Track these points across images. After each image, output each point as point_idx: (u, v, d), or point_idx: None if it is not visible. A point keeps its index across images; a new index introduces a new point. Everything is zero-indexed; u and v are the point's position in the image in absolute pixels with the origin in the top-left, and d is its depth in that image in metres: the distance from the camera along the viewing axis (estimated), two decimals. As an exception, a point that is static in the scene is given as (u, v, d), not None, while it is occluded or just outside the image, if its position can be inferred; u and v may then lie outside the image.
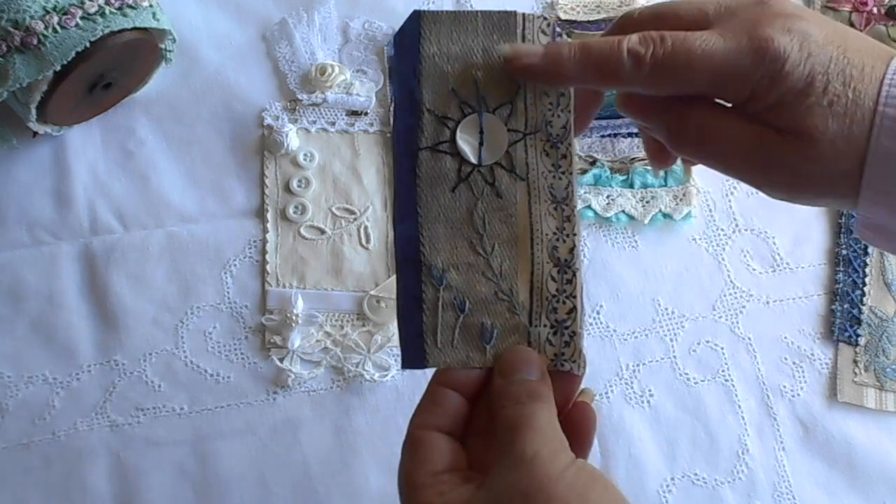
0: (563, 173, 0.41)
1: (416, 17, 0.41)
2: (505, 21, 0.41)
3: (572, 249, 0.40)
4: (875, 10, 0.71)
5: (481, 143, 0.41)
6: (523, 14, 0.41)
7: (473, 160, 0.41)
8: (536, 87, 0.41)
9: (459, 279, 0.40)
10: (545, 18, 0.41)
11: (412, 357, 0.40)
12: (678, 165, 0.67)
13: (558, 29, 0.41)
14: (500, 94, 0.41)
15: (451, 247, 0.40)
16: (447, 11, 0.41)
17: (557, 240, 0.40)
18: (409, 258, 0.40)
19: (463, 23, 0.41)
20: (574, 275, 0.40)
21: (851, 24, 0.71)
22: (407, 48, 0.41)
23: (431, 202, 0.40)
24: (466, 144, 0.41)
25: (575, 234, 0.40)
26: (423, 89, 0.41)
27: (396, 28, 0.69)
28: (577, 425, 0.39)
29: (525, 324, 0.40)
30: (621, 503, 0.35)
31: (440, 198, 0.40)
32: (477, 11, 0.41)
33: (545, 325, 0.40)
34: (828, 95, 0.36)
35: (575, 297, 0.40)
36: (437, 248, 0.40)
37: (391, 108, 0.42)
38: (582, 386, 0.41)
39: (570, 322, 0.40)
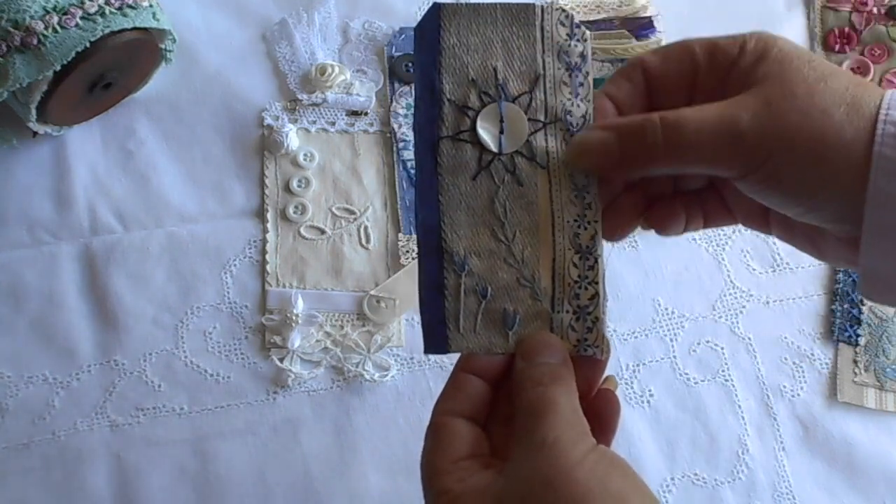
0: None
1: (436, 10, 0.41)
2: (524, 13, 0.41)
3: (594, 236, 0.41)
4: (875, 10, 0.71)
5: (502, 132, 0.41)
6: (542, 6, 0.41)
7: (494, 148, 0.41)
8: (556, 77, 0.41)
9: (481, 266, 0.40)
10: (563, 11, 0.41)
11: (434, 342, 0.40)
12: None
13: (576, 21, 0.41)
14: (520, 84, 0.41)
15: (472, 234, 0.41)
16: (466, 4, 0.41)
17: (579, 227, 0.41)
18: (430, 245, 0.41)
19: (482, 14, 0.41)
20: (596, 261, 0.41)
21: (851, 24, 0.71)
22: (427, 40, 0.41)
23: (453, 190, 0.41)
24: (487, 133, 0.41)
25: (596, 221, 0.41)
26: (444, 80, 0.41)
27: (397, 28, 0.70)
28: (601, 412, 0.39)
29: (547, 310, 0.40)
30: (642, 489, 0.35)
31: (461, 186, 0.41)
32: (496, 4, 0.41)
33: (567, 311, 0.40)
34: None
35: (597, 283, 0.40)
36: (459, 235, 0.41)
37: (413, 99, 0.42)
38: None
39: (592, 308, 0.40)
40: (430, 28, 0.41)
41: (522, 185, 0.41)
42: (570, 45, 0.41)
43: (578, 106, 0.41)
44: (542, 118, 0.41)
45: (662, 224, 0.43)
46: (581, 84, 0.41)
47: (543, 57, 0.41)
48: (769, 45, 0.37)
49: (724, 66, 0.38)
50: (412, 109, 0.67)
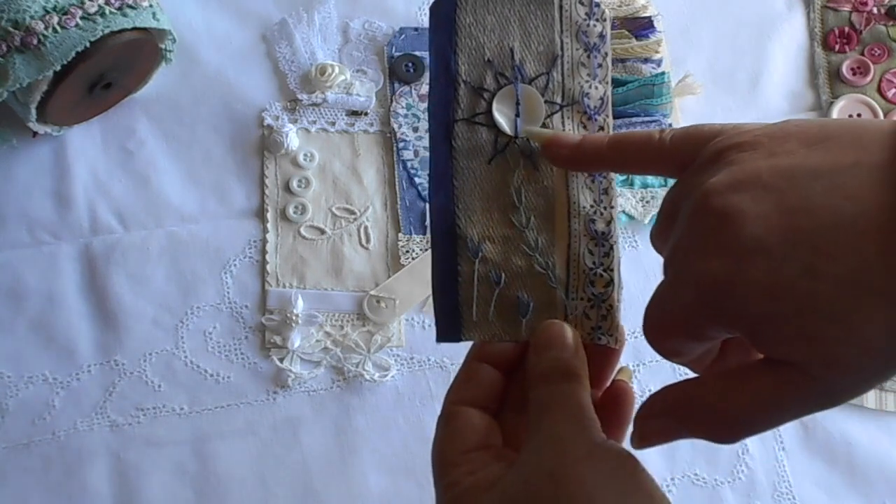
0: None
1: None
2: None
3: (609, 223, 0.40)
4: (875, 10, 0.71)
5: (518, 115, 0.40)
6: None
7: (510, 132, 0.40)
8: (574, 58, 0.40)
9: (495, 252, 0.40)
10: None
11: (447, 330, 0.40)
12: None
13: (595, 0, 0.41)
14: (537, 65, 0.40)
15: (486, 219, 0.40)
16: None
17: (595, 213, 0.40)
18: (444, 231, 0.40)
19: None
20: (611, 248, 0.40)
21: (851, 24, 0.71)
22: (442, 19, 0.40)
23: (467, 174, 0.40)
24: (503, 116, 0.40)
25: (612, 208, 0.40)
26: (459, 60, 0.40)
27: (397, 28, 0.70)
28: (615, 404, 0.39)
29: (562, 297, 0.40)
30: (649, 485, 0.35)
31: (476, 170, 0.40)
32: None
33: (582, 299, 0.40)
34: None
35: (612, 270, 0.40)
36: (473, 220, 0.40)
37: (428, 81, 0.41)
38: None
39: (606, 295, 0.40)
40: (445, 6, 0.40)
41: (538, 170, 0.40)
42: (588, 25, 0.40)
43: (596, 88, 0.40)
44: (558, 100, 0.40)
45: None
46: (599, 65, 0.40)
47: (561, 37, 0.40)
48: None
49: None
50: (412, 109, 0.67)
